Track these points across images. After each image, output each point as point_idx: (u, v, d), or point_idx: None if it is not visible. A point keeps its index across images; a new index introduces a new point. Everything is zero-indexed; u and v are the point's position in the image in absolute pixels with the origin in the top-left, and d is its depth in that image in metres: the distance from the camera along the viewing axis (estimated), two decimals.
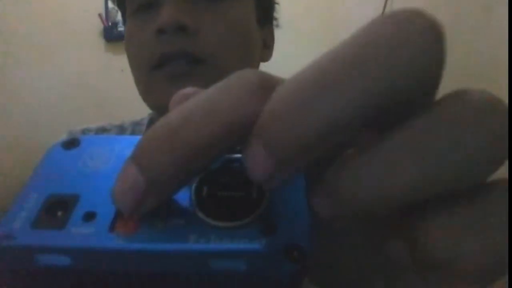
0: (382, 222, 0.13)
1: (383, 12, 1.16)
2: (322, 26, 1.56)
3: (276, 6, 0.51)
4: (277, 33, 0.54)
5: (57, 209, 0.15)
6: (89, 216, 0.15)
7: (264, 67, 0.49)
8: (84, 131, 0.50)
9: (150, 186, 0.12)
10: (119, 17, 1.77)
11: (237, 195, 0.15)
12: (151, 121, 0.51)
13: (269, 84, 0.12)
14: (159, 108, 0.43)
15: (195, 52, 0.38)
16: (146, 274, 0.14)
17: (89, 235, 0.14)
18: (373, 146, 0.11)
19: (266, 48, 0.49)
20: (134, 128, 0.51)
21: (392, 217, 0.12)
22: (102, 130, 0.50)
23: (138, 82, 0.43)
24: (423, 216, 0.11)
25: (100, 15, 1.75)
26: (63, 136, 0.50)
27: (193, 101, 0.12)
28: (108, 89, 1.74)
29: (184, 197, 0.16)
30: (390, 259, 0.13)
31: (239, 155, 0.17)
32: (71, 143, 0.19)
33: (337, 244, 0.15)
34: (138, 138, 0.18)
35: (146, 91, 0.42)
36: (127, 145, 0.18)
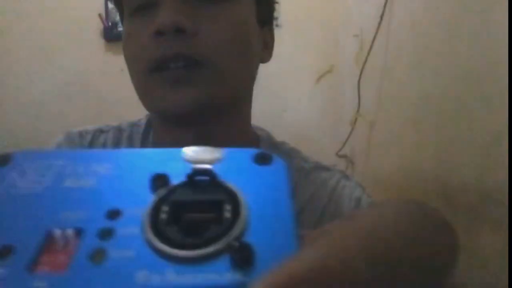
0: None
1: (383, 12, 1.16)
2: (322, 26, 1.55)
3: (276, 5, 0.51)
4: (277, 33, 0.54)
5: None
6: (5, 251, 0.12)
7: (263, 66, 0.49)
8: (82, 133, 0.49)
9: None
10: (119, 17, 1.77)
11: (206, 216, 0.13)
12: (149, 123, 0.51)
13: None
14: (157, 112, 0.42)
15: (193, 55, 0.37)
16: None
17: (2, 278, 0.11)
18: None
19: (266, 49, 0.48)
20: (132, 129, 0.50)
21: None
22: (100, 131, 0.50)
23: (136, 84, 0.42)
24: None
25: (100, 15, 1.75)
26: (60, 137, 0.49)
27: None
28: (108, 89, 1.74)
29: (134, 221, 0.13)
30: None
31: (206, 166, 0.14)
32: (1, 160, 0.16)
33: None
34: (72, 152, 0.16)
35: (145, 94, 0.42)
36: (64, 160, 0.15)
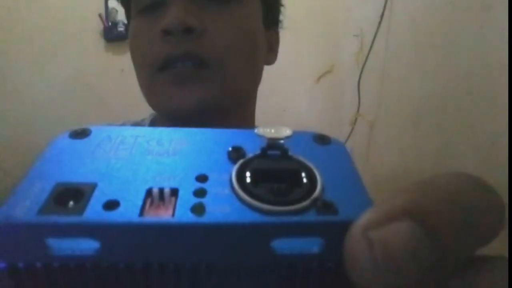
0: None
1: (383, 12, 1.16)
2: (322, 26, 1.55)
3: (282, 9, 0.51)
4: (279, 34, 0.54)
5: (69, 198, 0.13)
6: (111, 205, 0.12)
7: (266, 67, 0.49)
8: None
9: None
10: (119, 17, 1.76)
11: (287, 184, 0.14)
12: (153, 122, 0.51)
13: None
14: (163, 110, 0.42)
15: (200, 55, 0.38)
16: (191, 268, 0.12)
17: (119, 216, 0.12)
18: None
19: (271, 51, 0.48)
20: None
21: None
22: None
23: (142, 83, 0.42)
24: None
25: (100, 15, 1.75)
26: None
27: None
28: (108, 89, 1.74)
29: (222, 183, 0.14)
30: None
31: (278, 141, 0.15)
32: (80, 133, 0.17)
33: None
34: (149, 128, 0.17)
35: (150, 93, 0.42)
36: (140, 134, 0.16)
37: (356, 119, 1.35)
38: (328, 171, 0.15)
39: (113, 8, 1.75)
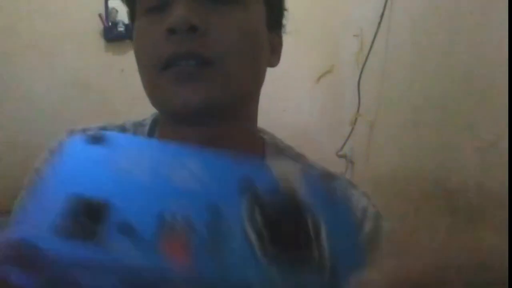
0: None
1: (383, 12, 1.16)
2: (322, 26, 1.55)
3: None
4: None
5: (84, 214, 0.13)
6: (126, 229, 0.12)
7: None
8: (85, 131, 0.50)
9: None
10: (119, 17, 1.76)
11: (293, 230, 0.14)
12: (154, 122, 0.51)
13: None
14: (166, 109, 0.43)
15: (204, 53, 0.38)
16: None
17: (136, 255, 0.12)
18: None
19: (274, 53, 0.48)
20: (136, 129, 0.51)
21: None
22: (103, 130, 0.50)
23: (146, 82, 0.43)
24: None
25: (100, 15, 1.74)
26: (63, 136, 0.49)
27: None
28: (108, 89, 1.74)
29: (233, 218, 0.14)
30: None
31: (289, 183, 0.16)
32: (96, 139, 0.17)
33: None
34: (163, 144, 0.17)
35: (153, 92, 0.42)
36: (157, 150, 0.17)
37: (356, 119, 1.35)
38: (331, 219, 0.15)
39: (113, 8, 1.75)
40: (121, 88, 1.74)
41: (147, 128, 0.50)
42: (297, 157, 0.51)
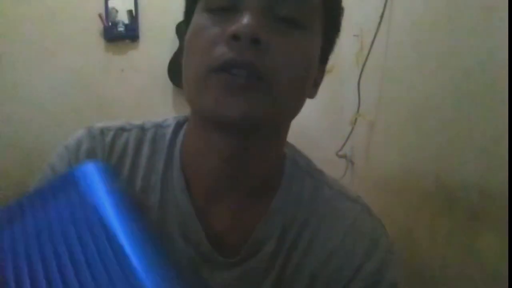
0: None
1: (383, 12, 1.16)
2: None
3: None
4: None
5: None
6: None
7: None
8: (103, 130, 0.48)
9: None
10: (119, 17, 1.77)
11: None
12: (178, 126, 0.50)
13: None
14: (205, 113, 0.41)
15: (259, 67, 0.38)
16: None
17: None
18: None
19: (315, 86, 0.48)
20: (156, 130, 0.49)
21: None
22: (122, 130, 0.49)
23: (191, 79, 0.41)
24: None
25: (100, 15, 1.75)
26: (81, 132, 0.48)
27: None
28: (108, 89, 1.74)
29: None
30: None
31: None
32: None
33: None
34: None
35: (197, 92, 0.40)
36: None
37: (356, 119, 1.35)
38: None
39: (113, 8, 1.76)
40: (121, 88, 1.74)
41: (170, 129, 0.49)
42: (316, 174, 0.50)
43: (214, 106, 0.38)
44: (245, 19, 0.37)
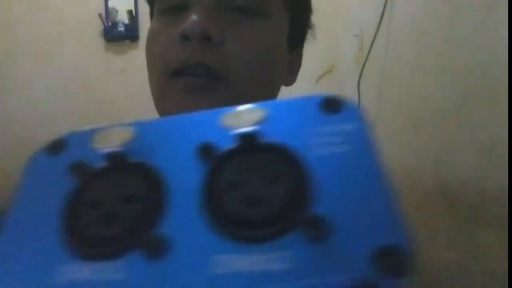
0: None
1: (383, 12, 1.16)
2: (322, 26, 1.55)
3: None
4: None
5: None
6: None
7: None
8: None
9: None
10: (119, 17, 1.76)
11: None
12: None
13: None
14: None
15: (215, 66, 0.36)
16: None
17: None
18: None
19: (291, 73, 0.46)
20: None
21: None
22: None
23: (154, 86, 0.41)
24: None
25: (100, 15, 1.75)
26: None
27: None
28: (108, 89, 1.74)
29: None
30: None
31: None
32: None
33: None
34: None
35: (160, 98, 0.40)
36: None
37: None
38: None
39: (113, 8, 1.75)
40: (121, 88, 1.74)
41: None
42: None
43: (176, 111, 0.37)
44: (194, 16, 0.35)
